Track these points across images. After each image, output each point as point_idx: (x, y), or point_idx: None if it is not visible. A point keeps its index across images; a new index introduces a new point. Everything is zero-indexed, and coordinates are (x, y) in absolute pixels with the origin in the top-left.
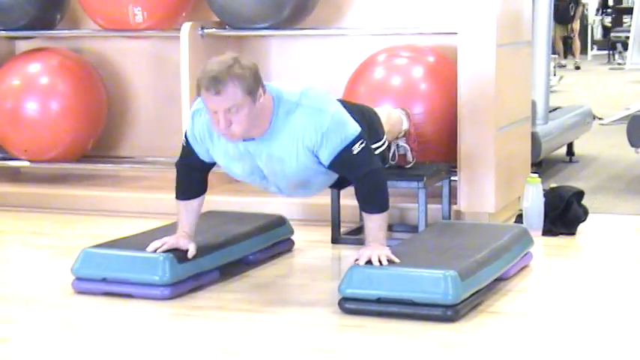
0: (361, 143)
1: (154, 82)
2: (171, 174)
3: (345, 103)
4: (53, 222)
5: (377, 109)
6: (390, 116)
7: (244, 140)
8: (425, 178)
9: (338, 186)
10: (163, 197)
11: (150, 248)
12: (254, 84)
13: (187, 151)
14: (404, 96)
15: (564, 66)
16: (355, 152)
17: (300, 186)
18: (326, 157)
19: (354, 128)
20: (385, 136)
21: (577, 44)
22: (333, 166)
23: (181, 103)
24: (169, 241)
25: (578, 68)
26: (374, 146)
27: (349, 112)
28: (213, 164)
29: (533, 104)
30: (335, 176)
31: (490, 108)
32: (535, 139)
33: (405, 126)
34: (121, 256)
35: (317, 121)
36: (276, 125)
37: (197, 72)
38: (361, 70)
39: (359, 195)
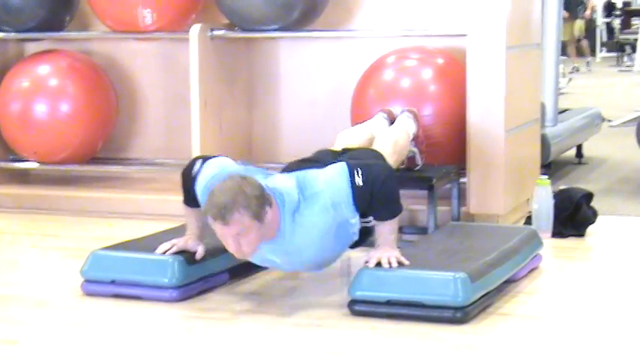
0: (356, 171)
1: (163, 84)
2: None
3: (346, 153)
4: (62, 224)
5: (382, 137)
6: (397, 144)
7: None
8: (434, 180)
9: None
10: (172, 199)
11: (159, 250)
12: (260, 209)
13: (192, 190)
14: (413, 98)
15: (578, 70)
16: (361, 183)
17: (317, 266)
18: (351, 211)
19: (338, 171)
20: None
21: (585, 44)
22: (357, 204)
23: (191, 105)
24: (178, 243)
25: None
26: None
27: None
28: None
29: (543, 106)
30: (348, 244)
31: (499, 110)
32: (544, 141)
33: (414, 129)
34: (130, 258)
35: (321, 207)
36: (285, 227)
37: (207, 74)
38: (370, 72)
39: (372, 205)
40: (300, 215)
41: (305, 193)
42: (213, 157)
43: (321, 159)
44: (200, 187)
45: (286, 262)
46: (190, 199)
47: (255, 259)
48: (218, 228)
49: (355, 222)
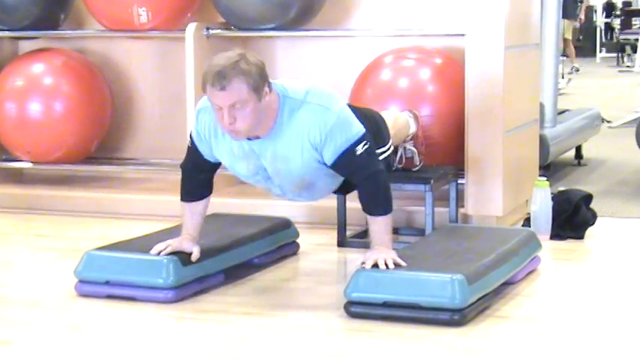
0: (365, 144)
1: (159, 83)
2: (176, 176)
3: (350, 107)
4: (56, 224)
5: (383, 113)
6: (397, 120)
7: (249, 139)
8: (432, 181)
9: (342, 191)
10: (168, 199)
11: (154, 251)
12: (260, 81)
13: (192, 150)
14: (411, 98)
15: (578, 70)
16: (358, 153)
17: (304, 188)
18: (329, 156)
19: (358, 129)
20: (391, 141)
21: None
22: (335, 166)
23: (186, 104)
24: (173, 244)
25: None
26: (379, 151)
27: (355, 115)
28: (219, 165)
29: (542, 107)
30: (339, 180)
31: (498, 110)
32: (543, 142)
33: (413, 129)
34: (124, 258)
35: (322, 119)
36: (281, 123)
37: (202, 73)
38: (368, 72)
39: (362, 197)
40: (298, 117)
41: (312, 100)
42: None
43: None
44: (195, 132)
45: (275, 172)
46: (188, 195)
47: (248, 173)
48: (214, 96)
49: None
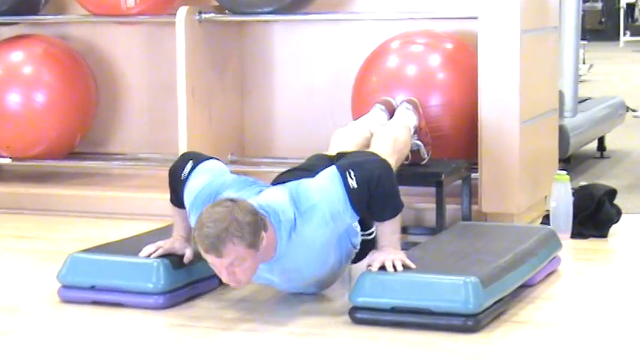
0: (347, 174)
1: (147, 72)
2: (166, 172)
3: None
4: (37, 224)
5: (380, 138)
6: (397, 142)
7: None
8: (443, 176)
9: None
10: (157, 197)
11: (143, 253)
12: (254, 237)
13: (179, 198)
14: (419, 86)
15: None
16: (356, 184)
17: (318, 284)
18: (350, 216)
19: (331, 175)
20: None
21: None
22: (356, 208)
23: (177, 95)
24: (164, 246)
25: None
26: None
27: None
28: None
29: (561, 95)
30: (349, 253)
31: (514, 99)
32: (563, 133)
33: (415, 122)
34: (111, 261)
35: (318, 220)
36: (282, 247)
37: (195, 61)
38: (373, 59)
39: (371, 209)
40: (298, 233)
41: (300, 208)
42: (205, 158)
43: (315, 166)
44: (189, 196)
45: (285, 280)
46: (178, 201)
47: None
48: (210, 260)
49: (356, 226)
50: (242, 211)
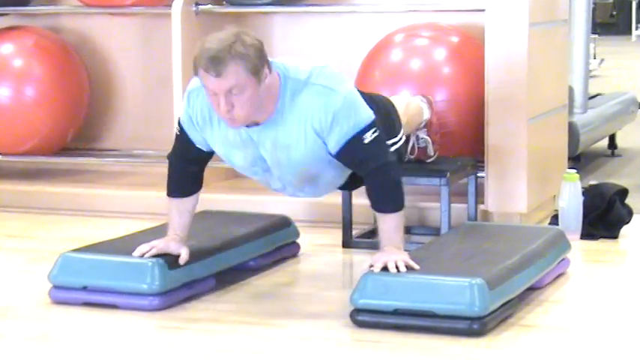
0: (374, 132)
1: (143, 65)
2: (162, 169)
3: (358, 92)
4: (28, 223)
5: (394, 98)
6: (409, 106)
7: (247, 126)
8: (448, 174)
9: (348, 187)
10: (152, 195)
11: (137, 253)
12: (259, 63)
13: (181, 139)
14: (424, 82)
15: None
16: (366, 142)
17: (306, 181)
18: (334, 143)
19: (367, 114)
20: (402, 130)
21: None
22: (340, 155)
23: (173, 89)
24: (159, 245)
25: None
26: (390, 142)
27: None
28: (211, 155)
29: (571, 91)
30: (346, 173)
31: (522, 95)
32: (572, 130)
33: (426, 116)
34: (104, 261)
35: (327, 101)
36: (283, 108)
37: (191, 54)
38: (376, 53)
39: (370, 192)
40: (300, 99)
41: (317, 81)
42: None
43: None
44: (186, 117)
45: (275, 162)
46: (176, 191)
47: (245, 163)
48: (209, 82)
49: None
50: (249, 36)
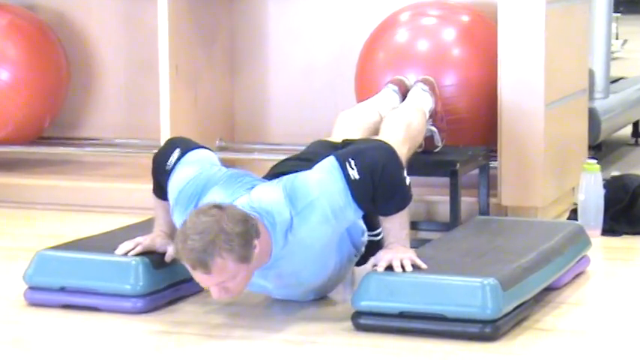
0: (346, 163)
1: (126, 48)
2: (146, 160)
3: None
4: (1, 218)
5: (390, 121)
6: (410, 127)
7: None
8: (458, 165)
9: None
10: (136, 188)
11: (120, 250)
12: (246, 250)
13: (163, 189)
14: (432, 64)
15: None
16: (357, 175)
17: (317, 290)
18: (353, 211)
19: (328, 170)
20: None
21: None
22: (359, 202)
23: (159, 73)
24: (144, 242)
25: None
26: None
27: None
28: None
29: (591, 74)
30: (352, 253)
31: (538, 79)
32: (593, 117)
33: (431, 105)
34: (84, 260)
35: (318, 216)
36: (278, 251)
37: (179, 34)
38: (380, 33)
39: (376, 202)
40: (295, 234)
41: (297, 206)
42: (193, 147)
43: (316, 154)
44: (173, 190)
45: (280, 286)
46: (161, 192)
47: None
48: (197, 276)
49: (362, 223)
50: (231, 220)
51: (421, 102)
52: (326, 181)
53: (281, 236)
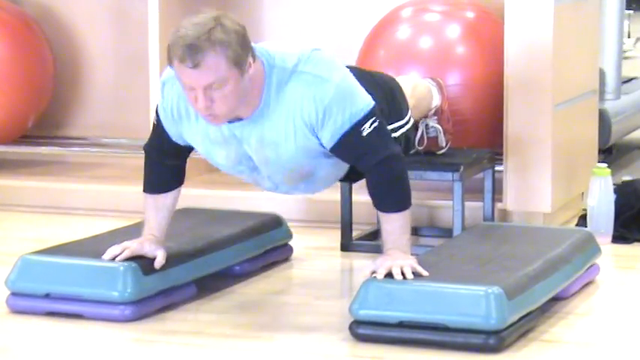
0: (373, 122)
1: (114, 43)
2: (136, 160)
3: (357, 71)
4: None
5: (399, 79)
6: (417, 88)
7: (229, 122)
8: (462, 168)
9: (350, 178)
10: (124, 190)
11: (107, 255)
12: (241, 51)
13: (158, 130)
14: (435, 63)
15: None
16: (365, 134)
17: (300, 179)
18: (328, 138)
19: (364, 102)
20: (410, 113)
21: None
22: (337, 150)
23: (149, 70)
24: (132, 247)
25: None
26: (395, 125)
27: (363, 83)
28: (191, 149)
29: (602, 74)
30: (345, 166)
31: (546, 79)
32: (604, 119)
33: (437, 101)
34: (69, 265)
35: (317, 91)
36: (268, 100)
37: (169, 31)
38: (380, 29)
39: (371, 189)
40: (287, 90)
41: (305, 68)
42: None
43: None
44: (162, 109)
45: (262, 160)
46: (152, 185)
47: (228, 162)
48: (185, 74)
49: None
50: (230, 20)
51: (431, 87)
52: (349, 91)
53: (275, 81)
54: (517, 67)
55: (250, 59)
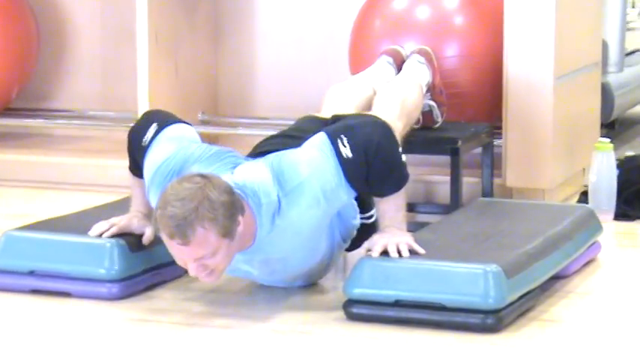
0: (339, 139)
1: (101, 12)
2: (122, 133)
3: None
4: None
5: (383, 95)
6: (405, 102)
7: None
8: (459, 143)
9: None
10: (111, 164)
11: (93, 232)
12: (230, 222)
13: (139, 167)
14: (432, 33)
15: None
16: (350, 153)
17: (306, 276)
18: (344, 190)
19: (318, 147)
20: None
21: None
22: (352, 182)
23: (136, 41)
24: (119, 223)
25: None
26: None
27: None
28: None
29: (605, 46)
30: (346, 236)
31: (547, 50)
32: (606, 92)
33: (428, 77)
34: (54, 241)
35: (306, 197)
36: (263, 236)
37: (157, 2)
38: None
39: (370, 183)
40: (283, 217)
41: (286, 187)
42: (172, 121)
43: (305, 131)
44: (149, 168)
45: (266, 273)
46: (138, 169)
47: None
48: (174, 249)
49: (354, 204)
50: (215, 188)
51: (418, 75)
52: (316, 159)
53: (267, 220)
54: (517, 37)
55: (240, 218)
